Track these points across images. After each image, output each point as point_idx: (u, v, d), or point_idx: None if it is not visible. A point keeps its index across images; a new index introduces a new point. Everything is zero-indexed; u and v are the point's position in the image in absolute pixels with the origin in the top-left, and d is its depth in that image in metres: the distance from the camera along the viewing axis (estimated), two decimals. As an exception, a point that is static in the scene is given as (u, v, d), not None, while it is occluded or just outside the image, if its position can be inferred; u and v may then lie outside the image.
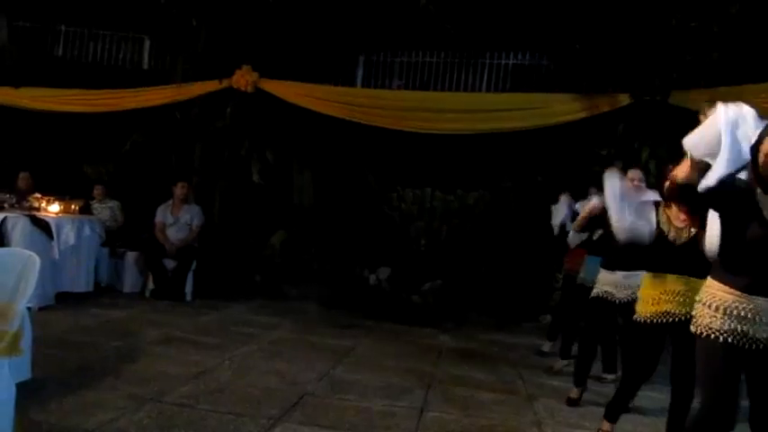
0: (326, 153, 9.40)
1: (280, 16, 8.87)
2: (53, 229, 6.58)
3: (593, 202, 4.66)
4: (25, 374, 3.27)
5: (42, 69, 9.70)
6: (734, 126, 2.42)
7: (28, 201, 7.19)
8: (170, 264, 7.81)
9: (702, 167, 2.47)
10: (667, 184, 2.93)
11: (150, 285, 7.78)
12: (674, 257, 3.50)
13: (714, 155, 2.41)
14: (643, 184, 4.55)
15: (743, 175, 2.45)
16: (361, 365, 5.32)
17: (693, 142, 2.50)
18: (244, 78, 8.82)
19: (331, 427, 3.73)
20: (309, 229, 9.15)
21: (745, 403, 2.66)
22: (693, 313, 2.64)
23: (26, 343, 3.04)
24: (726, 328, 2.51)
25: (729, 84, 7.35)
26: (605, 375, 5.33)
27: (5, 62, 9.39)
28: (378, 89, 9.86)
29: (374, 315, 7.58)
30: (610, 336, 5.00)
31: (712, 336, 2.53)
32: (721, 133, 2.40)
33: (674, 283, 3.47)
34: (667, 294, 3.48)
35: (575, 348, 5.40)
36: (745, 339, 2.50)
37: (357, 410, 4.07)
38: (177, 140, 9.16)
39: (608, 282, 4.50)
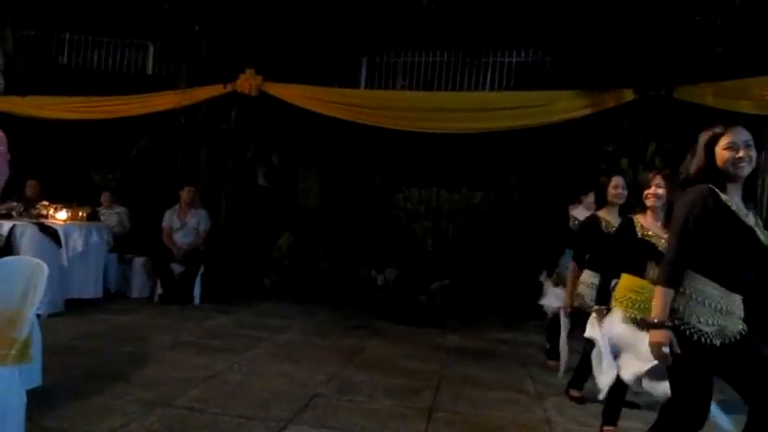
0: (331, 155, 9.41)
1: (282, 20, 8.89)
2: (61, 236, 6.62)
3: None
4: (36, 381, 3.29)
5: (47, 78, 9.75)
6: None
7: (36, 208, 7.23)
8: (178, 268, 7.84)
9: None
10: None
11: (158, 290, 7.81)
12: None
13: None
14: (625, 192, 4.62)
15: None
16: (370, 366, 5.32)
17: None
18: (248, 82, 8.85)
19: (341, 428, 3.73)
20: (316, 231, 9.16)
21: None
22: (674, 306, 2.58)
23: (36, 350, 3.06)
24: (710, 325, 2.53)
25: (734, 77, 7.32)
26: None
27: (12, 72, 9.45)
28: (381, 90, 9.86)
29: (382, 316, 7.58)
30: None
31: (701, 340, 2.53)
32: None
33: None
34: None
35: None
36: (721, 335, 2.54)
37: (367, 412, 4.07)
38: (183, 145, 9.20)
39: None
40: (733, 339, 2.56)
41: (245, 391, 4.30)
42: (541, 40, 9.26)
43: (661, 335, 2.52)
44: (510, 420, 4.13)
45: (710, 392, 2.58)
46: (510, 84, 9.61)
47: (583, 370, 4.73)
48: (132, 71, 10.62)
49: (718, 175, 2.60)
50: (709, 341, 2.53)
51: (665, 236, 3.40)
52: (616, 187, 4.66)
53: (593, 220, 4.74)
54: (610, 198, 4.69)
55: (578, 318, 5.01)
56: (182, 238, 8.02)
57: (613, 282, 3.87)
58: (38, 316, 3.09)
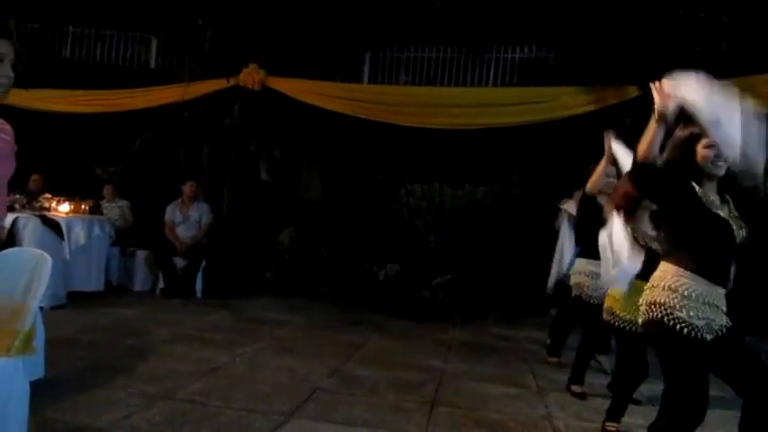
0: (334, 150, 9.41)
1: (286, 14, 8.87)
2: (63, 228, 6.63)
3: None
4: (38, 373, 3.29)
5: (51, 71, 9.74)
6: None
7: (38, 201, 7.25)
8: (180, 262, 7.85)
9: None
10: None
11: (161, 284, 7.84)
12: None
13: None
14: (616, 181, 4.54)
15: None
16: (372, 361, 5.33)
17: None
18: (251, 76, 8.84)
19: (343, 422, 3.73)
20: (318, 226, 9.17)
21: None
22: (661, 300, 2.60)
23: (39, 342, 3.06)
24: (700, 319, 2.56)
25: (738, 75, 7.30)
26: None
27: (15, 65, 9.43)
28: (384, 85, 9.85)
29: (384, 311, 7.59)
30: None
31: (692, 334, 2.55)
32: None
33: None
34: None
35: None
36: (709, 329, 2.59)
37: (368, 405, 4.08)
38: (186, 139, 9.20)
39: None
40: (719, 333, 2.62)
41: (247, 385, 4.31)
42: (545, 36, 9.25)
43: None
44: (511, 416, 4.13)
45: (707, 386, 2.58)
46: (513, 80, 9.60)
47: (581, 364, 4.74)
48: (135, 65, 10.62)
49: (695, 171, 2.69)
50: (700, 335, 2.55)
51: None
52: (608, 176, 4.65)
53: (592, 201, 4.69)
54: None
55: (576, 310, 5.02)
56: (184, 232, 8.03)
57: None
58: (40, 308, 3.09)
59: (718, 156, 2.64)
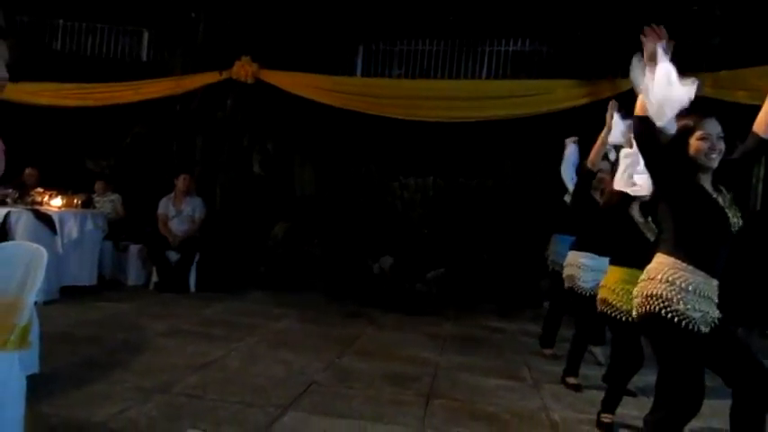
0: (327, 143, 9.39)
1: (278, 6, 8.83)
2: (56, 223, 6.59)
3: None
4: (34, 368, 3.28)
5: (41, 64, 9.67)
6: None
7: (30, 195, 7.20)
8: (173, 256, 7.83)
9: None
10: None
11: (154, 278, 7.81)
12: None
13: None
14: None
15: None
16: (367, 354, 5.33)
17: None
18: (243, 69, 8.80)
19: (339, 415, 3.74)
20: (312, 220, 9.15)
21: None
22: (659, 293, 2.61)
23: (34, 336, 3.05)
24: (697, 311, 2.57)
25: (731, 68, 7.33)
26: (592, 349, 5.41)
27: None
28: (378, 78, 9.83)
29: (378, 304, 7.59)
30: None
31: (690, 326, 2.56)
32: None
33: None
34: None
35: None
36: (704, 322, 2.60)
37: (365, 399, 4.08)
38: (178, 133, 9.16)
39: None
40: (713, 325, 2.63)
41: (243, 378, 4.31)
42: (538, 30, 9.24)
43: None
44: (507, 408, 4.15)
45: (703, 377, 2.60)
46: (507, 73, 9.59)
47: (575, 356, 4.76)
48: (127, 58, 10.55)
49: (689, 164, 2.68)
50: (696, 328, 2.57)
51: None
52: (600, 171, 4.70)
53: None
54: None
55: (569, 301, 5.04)
56: (177, 226, 8.01)
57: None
58: (35, 303, 3.07)
59: (712, 148, 2.64)
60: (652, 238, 3.67)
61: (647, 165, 2.85)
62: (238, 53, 8.83)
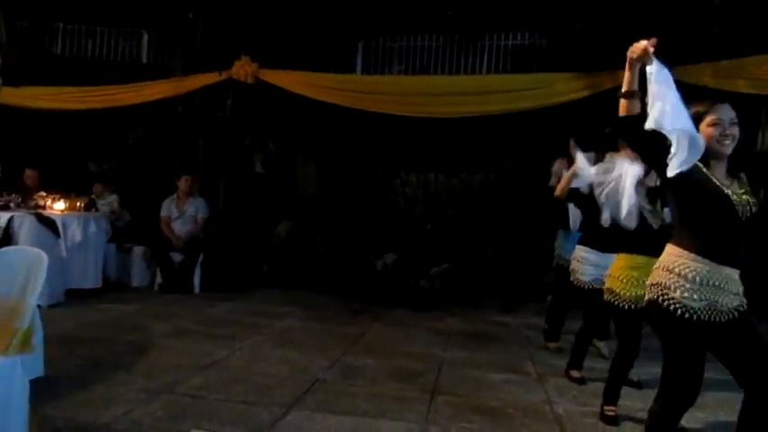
0: (329, 141, 9.39)
1: (277, 5, 8.83)
2: (59, 226, 6.62)
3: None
4: (38, 371, 3.29)
5: (42, 67, 9.69)
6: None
7: (33, 199, 7.24)
8: (177, 257, 7.84)
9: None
10: None
11: (158, 279, 7.83)
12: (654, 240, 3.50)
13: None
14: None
15: None
16: (372, 351, 5.34)
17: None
18: (243, 69, 8.78)
19: (343, 413, 3.75)
20: (315, 218, 9.16)
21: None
22: (658, 281, 2.60)
23: (37, 340, 3.06)
24: (699, 300, 2.51)
25: (732, 57, 7.30)
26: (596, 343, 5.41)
27: (6, 62, 9.39)
28: (378, 75, 9.82)
29: (382, 301, 7.59)
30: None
31: (686, 315, 2.52)
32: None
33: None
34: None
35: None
36: (714, 311, 2.51)
37: (369, 395, 4.09)
38: (180, 134, 9.17)
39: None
40: (730, 316, 2.53)
41: (247, 378, 4.32)
42: (538, 23, 9.21)
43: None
44: (511, 402, 4.15)
45: (701, 368, 2.57)
46: (507, 67, 9.57)
47: (580, 350, 4.76)
48: (127, 60, 10.56)
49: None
50: (695, 316, 2.51)
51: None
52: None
53: None
54: None
55: (573, 296, 5.04)
56: (180, 227, 8.03)
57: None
58: (38, 307, 3.09)
59: (724, 134, 2.56)
60: (656, 226, 3.66)
61: (646, 160, 2.82)
62: (238, 53, 8.81)
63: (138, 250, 8.07)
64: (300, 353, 5.10)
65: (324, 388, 4.21)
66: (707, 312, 2.52)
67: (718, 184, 2.56)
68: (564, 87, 8.24)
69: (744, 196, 2.57)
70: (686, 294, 2.53)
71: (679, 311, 2.53)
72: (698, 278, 2.53)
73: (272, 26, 8.96)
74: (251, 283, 8.32)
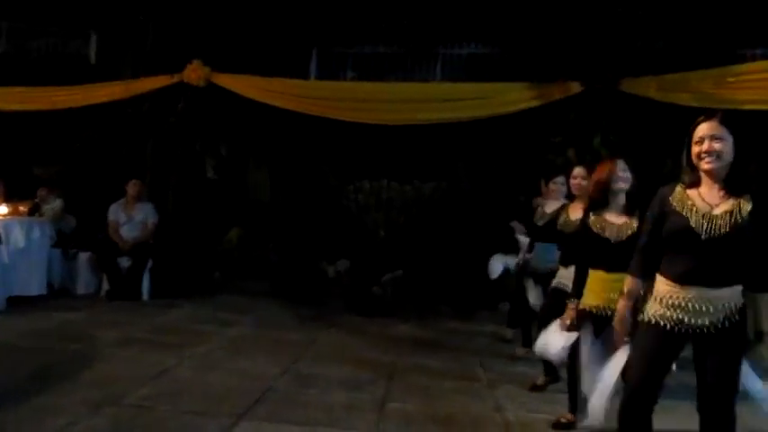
0: (282, 147, 9.33)
1: (230, 9, 8.73)
2: (1, 231, 6.42)
3: None
4: (-23, 382, 3.19)
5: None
6: None
7: (-27, 204, 7.01)
8: (125, 263, 7.68)
9: None
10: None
11: (105, 286, 7.64)
12: (611, 254, 3.59)
13: None
14: (585, 182, 4.47)
15: None
16: (323, 359, 5.32)
17: None
18: (195, 73, 8.65)
19: (295, 422, 3.72)
20: (266, 224, 9.08)
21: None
22: (645, 307, 2.79)
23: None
24: (666, 315, 2.66)
25: (676, 70, 7.53)
26: None
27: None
28: (332, 81, 9.79)
29: (334, 308, 7.58)
30: None
31: (653, 321, 2.70)
32: None
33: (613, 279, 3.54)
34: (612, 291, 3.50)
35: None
36: (681, 326, 2.63)
37: (320, 405, 4.07)
38: (129, 137, 8.98)
39: (564, 276, 4.56)
40: (705, 331, 2.59)
41: (197, 387, 4.25)
42: (491, 33, 9.34)
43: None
44: (462, 409, 4.18)
45: (657, 366, 2.72)
46: (461, 76, 9.66)
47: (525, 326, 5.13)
48: (74, 60, 10.29)
49: (694, 169, 2.69)
50: (654, 321, 2.70)
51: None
52: (575, 177, 4.66)
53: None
54: (572, 190, 4.74)
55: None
56: (128, 233, 7.86)
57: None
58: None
59: (704, 150, 2.58)
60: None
61: None
62: (189, 57, 8.69)
63: (83, 256, 7.87)
64: (252, 361, 5.05)
65: (275, 397, 4.17)
66: (672, 324, 2.65)
67: (677, 209, 2.65)
68: (515, 97, 8.36)
69: (714, 217, 2.56)
70: (651, 313, 2.72)
71: (646, 319, 2.74)
72: (663, 299, 2.68)
73: (225, 30, 8.86)
74: (201, 289, 8.19)
